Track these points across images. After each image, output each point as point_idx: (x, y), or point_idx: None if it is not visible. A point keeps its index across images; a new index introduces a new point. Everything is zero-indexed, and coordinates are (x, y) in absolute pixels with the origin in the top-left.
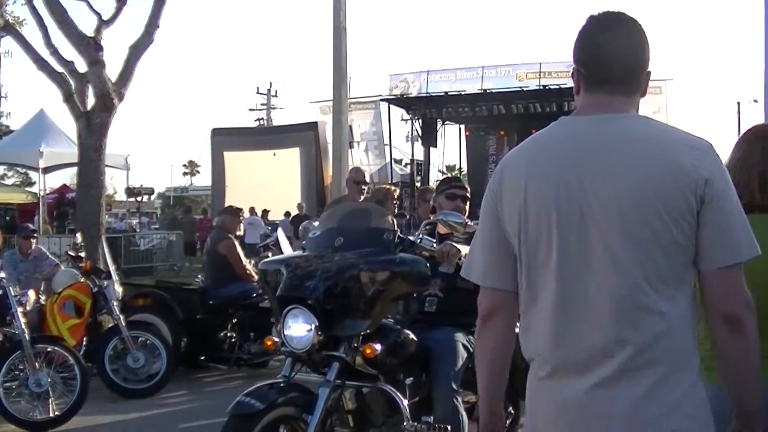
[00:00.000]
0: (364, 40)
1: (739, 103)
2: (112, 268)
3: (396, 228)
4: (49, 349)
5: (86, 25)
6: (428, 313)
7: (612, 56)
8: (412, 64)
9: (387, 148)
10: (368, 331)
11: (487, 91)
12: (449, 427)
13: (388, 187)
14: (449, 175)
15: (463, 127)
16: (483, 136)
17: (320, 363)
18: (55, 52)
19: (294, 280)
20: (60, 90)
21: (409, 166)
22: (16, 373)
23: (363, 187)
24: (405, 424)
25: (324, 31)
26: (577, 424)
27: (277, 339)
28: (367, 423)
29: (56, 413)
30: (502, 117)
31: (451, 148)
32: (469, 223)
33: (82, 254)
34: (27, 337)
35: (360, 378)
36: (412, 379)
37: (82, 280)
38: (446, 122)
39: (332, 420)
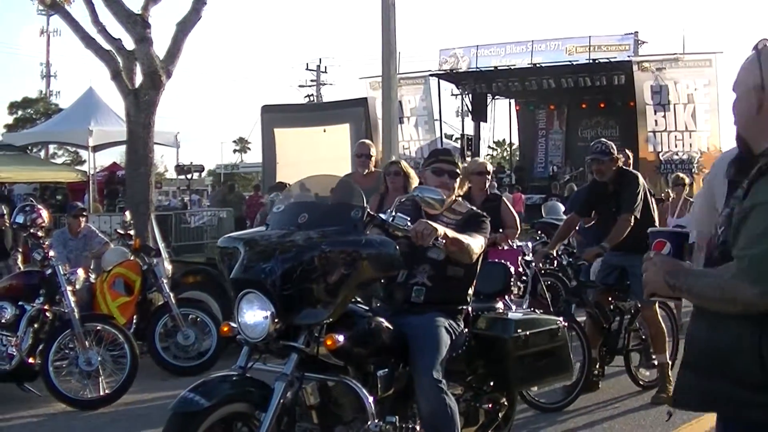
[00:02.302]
0: (413, 16)
1: None
2: (161, 245)
3: (366, 204)
4: (98, 328)
5: (134, 2)
6: (415, 303)
7: None
8: (461, 39)
9: (437, 124)
10: (331, 319)
11: (537, 65)
12: (418, 428)
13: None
14: (497, 149)
15: (513, 101)
16: (533, 110)
17: (280, 354)
18: (102, 29)
19: (250, 261)
20: (108, 68)
21: (459, 142)
22: (66, 351)
23: (366, 159)
24: (369, 423)
25: (373, 6)
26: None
27: (234, 325)
28: (334, 419)
29: (106, 391)
30: (552, 91)
31: (501, 122)
32: (446, 198)
33: (132, 232)
34: (76, 316)
35: (325, 370)
36: (386, 370)
37: (131, 258)
38: (496, 97)
39: (292, 417)
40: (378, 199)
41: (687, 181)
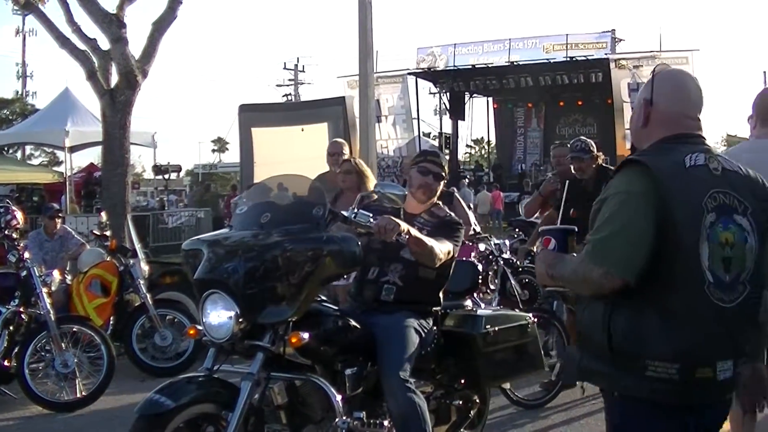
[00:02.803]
0: (390, 14)
1: (765, 72)
2: (137, 246)
3: (327, 202)
4: (75, 329)
5: (109, 1)
6: (384, 302)
7: None
8: (439, 38)
9: (415, 122)
10: (295, 317)
11: (515, 63)
12: (387, 423)
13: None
14: (475, 147)
15: (491, 99)
16: (511, 108)
17: (245, 353)
18: (77, 29)
19: (214, 261)
20: (83, 68)
21: (437, 140)
22: (43, 354)
23: (338, 158)
24: (337, 420)
25: (351, 4)
26: None
27: (200, 327)
28: (303, 418)
29: (83, 393)
30: (530, 89)
31: (478, 120)
32: (406, 192)
33: (108, 233)
34: (52, 318)
35: (292, 369)
36: (354, 369)
37: (108, 258)
38: (474, 95)
39: (260, 417)
40: (332, 199)
41: None
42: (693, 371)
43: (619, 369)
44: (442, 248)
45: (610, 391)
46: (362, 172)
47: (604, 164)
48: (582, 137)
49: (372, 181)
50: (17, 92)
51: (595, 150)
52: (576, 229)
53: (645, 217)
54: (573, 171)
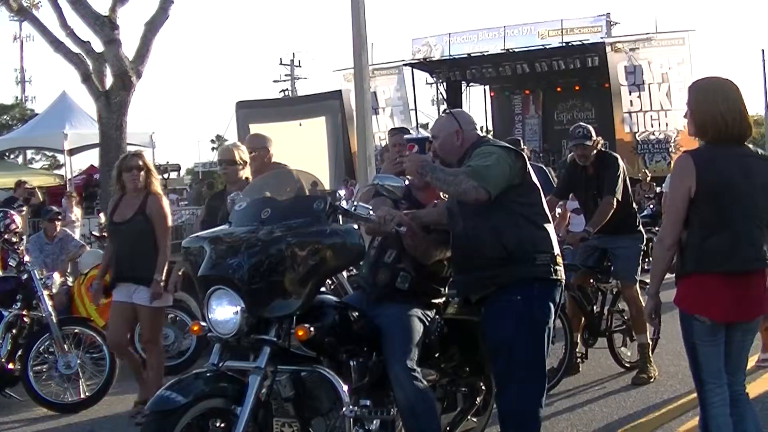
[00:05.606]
0: (384, 5)
1: (763, 50)
2: None
3: (327, 195)
4: (76, 331)
5: (101, 4)
6: (397, 289)
7: None
8: (433, 28)
9: (413, 113)
10: (300, 311)
11: (510, 50)
12: (393, 410)
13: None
14: None
15: (487, 87)
16: (508, 95)
17: (252, 348)
18: (71, 33)
19: (217, 257)
20: (78, 71)
21: None
22: (46, 356)
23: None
24: (344, 409)
25: None
26: None
27: (204, 323)
28: (311, 410)
29: (87, 394)
30: (527, 76)
31: (476, 109)
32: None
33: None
34: (54, 320)
35: (298, 362)
36: (359, 359)
37: None
38: (470, 84)
39: (268, 410)
40: (114, 203)
41: None
42: (556, 257)
43: (512, 265)
44: (441, 245)
45: (500, 283)
46: (150, 170)
47: (603, 149)
48: (582, 123)
49: (156, 180)
50: (16, 98)
51: (594, 135)
52: (430, 137)
53: (509, 163)
54: (576, 157)
